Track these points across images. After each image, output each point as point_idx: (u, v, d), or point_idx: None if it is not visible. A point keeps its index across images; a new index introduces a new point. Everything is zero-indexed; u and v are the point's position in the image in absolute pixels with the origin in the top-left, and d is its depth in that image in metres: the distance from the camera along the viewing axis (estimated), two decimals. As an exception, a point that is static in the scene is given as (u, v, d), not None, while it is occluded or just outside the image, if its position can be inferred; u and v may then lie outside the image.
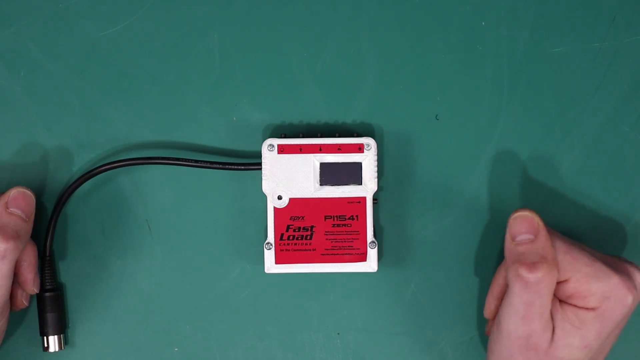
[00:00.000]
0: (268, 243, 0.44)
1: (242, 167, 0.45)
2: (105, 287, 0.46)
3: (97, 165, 0.45)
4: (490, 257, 0.47)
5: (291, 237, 0.44)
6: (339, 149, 0.44)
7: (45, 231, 0.45)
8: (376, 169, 0.44)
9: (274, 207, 0.44)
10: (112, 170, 0.45)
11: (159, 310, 0.46)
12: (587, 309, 0.40)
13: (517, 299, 0.39)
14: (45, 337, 0.45)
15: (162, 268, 0.46)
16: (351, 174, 0.44)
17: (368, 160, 0.44)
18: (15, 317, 0.46)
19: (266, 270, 0.44)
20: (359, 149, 0.44)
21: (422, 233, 0.46)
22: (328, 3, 0.46)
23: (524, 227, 0.41)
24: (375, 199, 0.45)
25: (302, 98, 0.46)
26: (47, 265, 0.45)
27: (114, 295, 0.46)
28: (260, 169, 0.44)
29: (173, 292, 0.46)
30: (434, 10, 0.47)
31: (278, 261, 0.44)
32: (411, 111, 0.47)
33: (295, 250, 0.44)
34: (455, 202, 0.46)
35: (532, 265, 0.39)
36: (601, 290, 0.39)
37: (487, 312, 0.44)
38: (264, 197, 0.45)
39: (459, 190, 0.46)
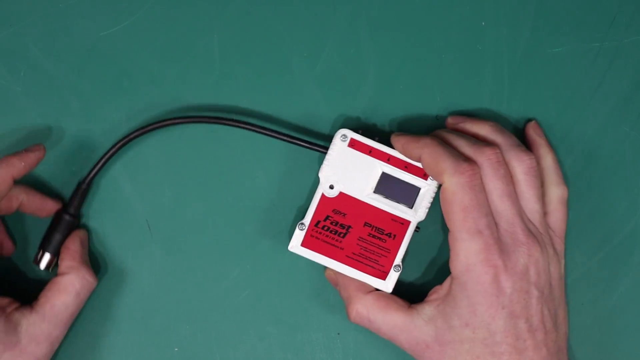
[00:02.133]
0: (302, 224, 0.44)
1: (308, 146, 0.44)
2: (105, 287, 0.46)
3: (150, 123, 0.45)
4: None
5: (326, 228, 0.44)
6: (405, 166, 0.44)
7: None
8: (432, 200, 0.44)
9: (323, 194, 0.44)
10: (113, 170, 0.45)
11: (159, 310, 0.46)
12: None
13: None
14: (41, 251, 0.44)
15: (162, 268, 0.46)
16: (407, 194, 0.44)
17: (428, 189, 0.44)
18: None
19: (289, 248, 0.44)
20: (424, 175, 0.44)
21: (422, 233, 0.46)
22: (328, 3, 0.46)
23: None
24: (418, 227, 0.44)
25: (302, 98, 0.46)
26: (80, 194, 0.45)
27: (114, 295, 0.46)
28: (325, 152, 0.44)
29: (173, 292, 0.46)
30: (434, 10, 0.47)
31: (305, 244, 0.44)
32: (411, 111, 0.47)
33: (324, 241, 0.44)
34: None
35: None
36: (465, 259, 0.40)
37: None
38: (264, 198, 0.45)
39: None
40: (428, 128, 0.46)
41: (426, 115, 0.47)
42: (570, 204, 0.47)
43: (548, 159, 0.44)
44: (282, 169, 0.46)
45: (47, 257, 0.44)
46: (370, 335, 0.46)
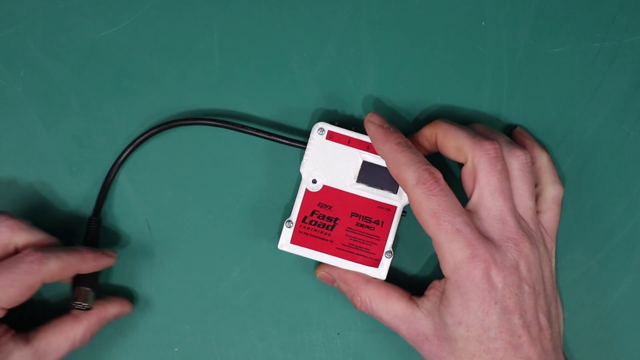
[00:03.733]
0: (289, 221, 0.44)
1: (287, 142, 0.44)
2: (104, 287, 0.46)
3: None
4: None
5: (313, 223, 0.44)
6: None
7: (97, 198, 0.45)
8: None
9: (306, 189, 0.44)
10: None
11: (159, 310, 0.46)
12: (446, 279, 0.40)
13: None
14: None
15: (162, 268, 0.46)
16: (390, 180, 0.44)
17: None
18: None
19: (279, 246, 0.44)
20: None
21: (422, 233, 0.46)
22: (328, 3, 0.46)
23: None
24: (405, 211, 0.44)
25: (302, 98, 0.46)
26: (94, 224, 0.45)
27: (114, 296, 0.46)
28: (304, 148, 0.44)
29: (173, 292, 0.46)
30: (434, 10, 0.47)
31: (294, 241, 0.44)
32: (411, 111, 0.47)
33: (313, 236, 0.44)
34: (455, 202, 0.46)
35: None
36: (453, 260, 0.39)
37: None
38: (266, 197, 0.45)
39: (458, 190, 0.45)
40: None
41: (426, 115, 0.47)
42: (570, 204, 0.47)
43: (543, 158, 0.44)
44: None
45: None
46: (370, 335, 0.47)
